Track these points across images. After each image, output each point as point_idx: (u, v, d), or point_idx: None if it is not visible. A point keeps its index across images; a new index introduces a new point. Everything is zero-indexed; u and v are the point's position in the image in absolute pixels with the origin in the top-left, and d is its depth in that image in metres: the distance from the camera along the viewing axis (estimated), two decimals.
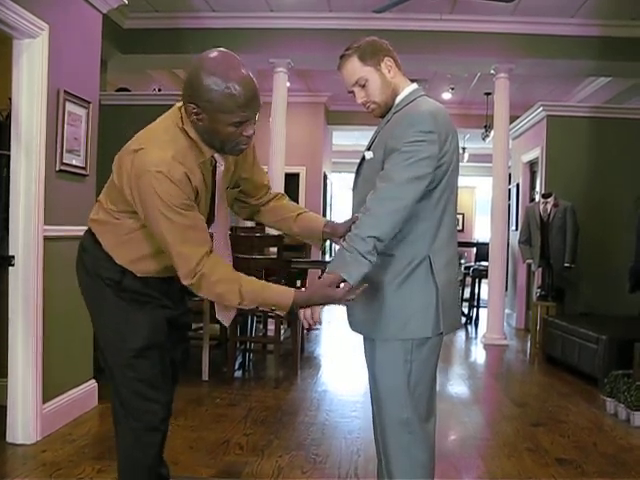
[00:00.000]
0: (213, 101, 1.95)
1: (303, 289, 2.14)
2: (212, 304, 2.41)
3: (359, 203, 2.19)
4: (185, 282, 2.04)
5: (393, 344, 2.13)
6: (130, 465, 2.31)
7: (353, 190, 2.29)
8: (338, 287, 2.00)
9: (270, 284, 2.09)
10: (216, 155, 2.15)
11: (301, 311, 2.08)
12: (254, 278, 2.09)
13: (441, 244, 2.13)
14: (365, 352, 2.25)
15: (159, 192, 1.95)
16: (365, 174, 2.20)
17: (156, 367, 2.25)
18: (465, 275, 10.00)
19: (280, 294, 2.07)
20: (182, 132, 2.08)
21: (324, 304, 2.07)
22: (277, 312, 2.17)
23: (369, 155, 2.17)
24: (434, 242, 2.11)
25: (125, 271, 2.21)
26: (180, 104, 2.13)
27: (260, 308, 2.14)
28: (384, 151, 2.08)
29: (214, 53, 2.03)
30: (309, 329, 2.30)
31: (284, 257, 5.21)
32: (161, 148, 2.00)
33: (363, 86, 2.20)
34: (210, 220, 2.23)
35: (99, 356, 2.32)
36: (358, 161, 2.25)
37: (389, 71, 2.19)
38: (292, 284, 6.51)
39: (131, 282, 2.22)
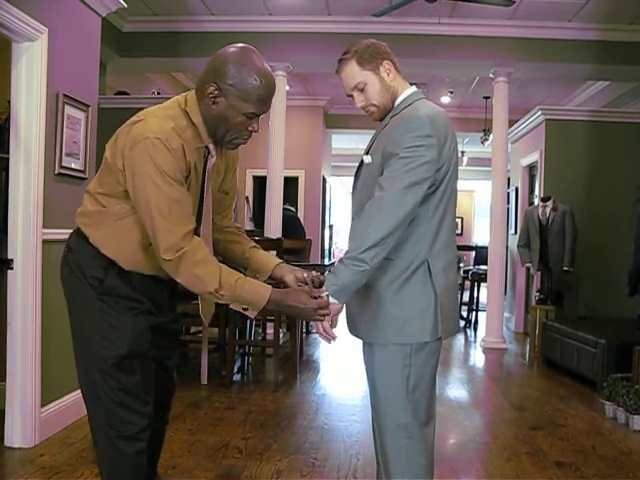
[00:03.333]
0: (237, 87, 1.99)
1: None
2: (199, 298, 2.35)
3: (358, 207, 2.19)
4: (164, 256, 1.98)
5: (391, 348, 2.12)
6: (114, 475, 2.23)
7: (352, 193, 2.29)
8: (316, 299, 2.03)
9: (248, 278, 2.06)
10: (210, 146, 2.14)
11: (318, 325, 2.07)
12: (233, 270, 2.06)
13: (440, 248, 2.12)
14: (364, 356, 2.25)
15: (154, 157, 1.94)
16: (364, 178, 2.20)
17: (137, 376, 2.18)
18: (464, 279, 10.01)
19: (258, 288, 2.04)
20: (184, 113, 2.08)
21: (297, 312, 2.06)
22: (247, 313, 2.06)
23: (367, 159, 2.16)
24: (433, 246, 2.10)
25: (109, 268, 2.15)
26: (186, 93, 2.14)
27: (230, 306, 2.04)
28: (382, 156, 2.08)
29: (241, 47, 2.07)
30: (328, 341, 2.25)
31: (283, 260, 5.20)
32: (161, 119, 2.02)
33: (362, 90, 2.19)
34: (199, 214, 2.19)
35: (76, 360, 2.24)
36: (357, 164, 2.25)
37: (388, 74, 2.18)
38: None
39: (114, 281, 2.15)
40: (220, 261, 2.08)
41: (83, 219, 2.21)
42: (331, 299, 2.04)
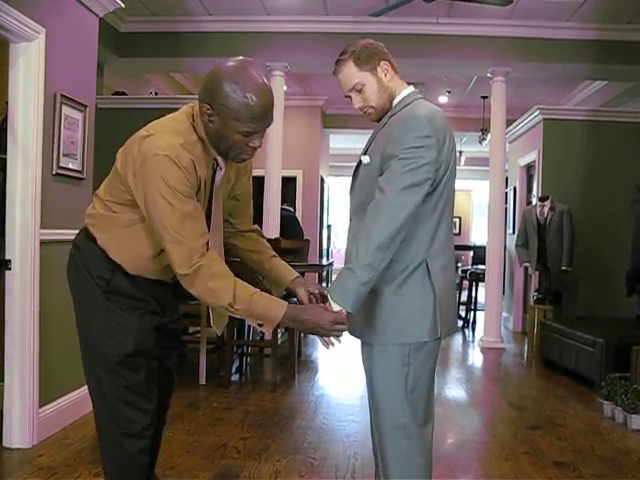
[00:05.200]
0: (228, 107, 1.98)
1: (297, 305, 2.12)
2: (209, 308, 2.37)
3: (356, 207, 2.19)
4: (179, 271, 1.99)
5: (390, 348, 2.11)
6: (118, 472, 2.26)
7: (350, 194, 2.28)
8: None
9: (264, 293, 2.05)
10: (219, 158, 2.16)
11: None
12: (248, 284, 2.06)
13: (438, 248, 2.12)
14: (362, 356, 2.24)
15: (163, 174, 1.94)
16: (362, 178, 2.19)
17: (141, 374, 2.21)
18: (462, 278, 10.01)
19: (273, 303, 2.03)
20: (193, 127, 2.10)
21: (312, 327, 2.03)
22: (262, 329, 2.06)
23: (366, 160, 2.15)
24: (431, 246, 2.10)
25: (116, 269, 2.18)
26: (193, 103, 2.15)
27: (247, 322, 2.06)
28: (382, 157, 2.07)
29: (238, 61, 2.05)
30: (327, 346, 2.25)
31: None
32: (171, 135, 2.03)
33: (360, 91, 2.18)
34: (207, 224, 2.20)
35: (82, 358, 2.27)
36: (355, 164, 2.24)
37: (385, 75, 2.17)
38: None
39: (121, 282, 2.18)
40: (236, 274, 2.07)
41: (92, 220, 2.23)
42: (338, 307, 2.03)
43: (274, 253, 2.48)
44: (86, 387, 4.24)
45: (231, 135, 2.03)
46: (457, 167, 2.21)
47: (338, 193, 15.42)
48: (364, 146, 2.23)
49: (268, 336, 2.06)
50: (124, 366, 2.17)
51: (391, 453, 2.14)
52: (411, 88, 2.23)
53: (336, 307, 2.02)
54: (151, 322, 2.24)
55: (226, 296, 1.98)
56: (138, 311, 2.21)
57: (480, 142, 10.88)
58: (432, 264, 2.09)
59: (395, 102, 2.19)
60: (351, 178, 2.27)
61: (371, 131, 2.25)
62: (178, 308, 2.47)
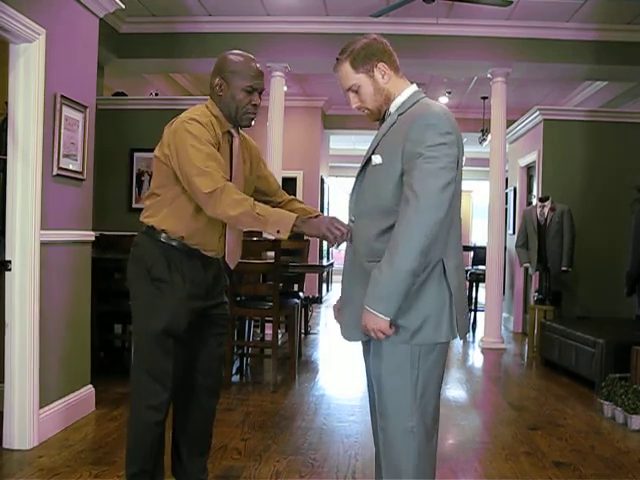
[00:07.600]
0: (234, 71, 2.59)
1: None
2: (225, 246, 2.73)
3: (367, 208, 2.14)
4: (206, 190, 2.38)
5: (402, 349, 2.07)
6: (135, 437, 2.65)
7: (354, 195, 2.22)
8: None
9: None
10: (232, 130, 2.67)
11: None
12: None
13: (451, 247, 2.10)
14: (369, 358, 2.20)
15: (189, 129, 2.47)
16: (372, 179, 2.13)
17: (169, 354, 2.60)
18: None
19: (285, 211, 2.45)
20: (207, 109, 2.64)
21: (320, 223, 2.30)
22: (280, 235, 2.36)
23: (377, 159, 2.11)
24: (446, 245, 2.07)
25: (163, 256, 2.58)
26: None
27: (265, 231, 2.43)
28: (402, 155, 2.02)
29: (233, 50, 2.71)
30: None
31: (281, 261, 5.20)
32: (191, 112, 2.59)
33: (356, 92, 2.20)
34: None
35: (132, 334, 2.75)
36: (359, 165, 2.19)
37: (383, 76, 2.17)
38: (289, 287, 6.50)
39: (163, 270, 2.59)
40: None
41: (146, 214, 2.66)
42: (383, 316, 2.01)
43: (317, 213, 2.78)
44: (85, 388, 4.27)
45: (238, 94, 2.59)
46: None
47: (338, 193, 15.43)
48: (370, 145, 2.18)
49: (285, 237, 2.40)
50: (157, 342, 2.57)
51: (398, 456, 2.10)
52: (414, 87, 2.22)
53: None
54: (187, 307, 2.62)
55: (249, 201, 2.39)
56: (177, 295, 2.59)
57: (480, 143, 10.89)
58: (447, 263, 2.07)
59: (401, 100, 2.18)
60: (355, 178, 2.22)
61: (371, 131, 2.24)
62: (223, 292, 2.85)
